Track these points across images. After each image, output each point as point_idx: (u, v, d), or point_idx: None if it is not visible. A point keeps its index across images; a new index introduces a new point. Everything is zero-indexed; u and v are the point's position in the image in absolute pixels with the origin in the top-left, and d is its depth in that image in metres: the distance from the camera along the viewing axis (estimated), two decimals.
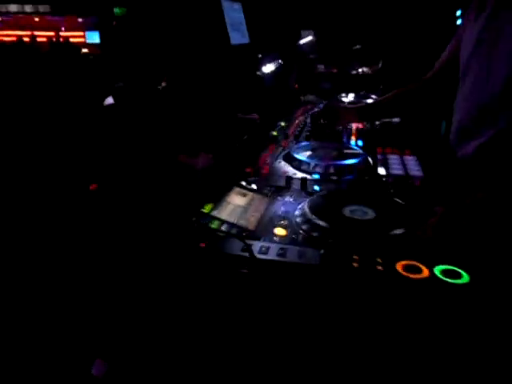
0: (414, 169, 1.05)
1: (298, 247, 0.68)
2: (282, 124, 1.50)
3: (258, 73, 1.11)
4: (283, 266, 0.64)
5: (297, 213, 0.79)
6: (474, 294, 0.59)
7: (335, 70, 3.12)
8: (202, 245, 0.68)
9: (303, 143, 1.21)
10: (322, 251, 0.64)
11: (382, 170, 1.04)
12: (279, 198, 0.88)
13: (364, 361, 0.62)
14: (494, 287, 0.60)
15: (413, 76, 1.44)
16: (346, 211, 0.78)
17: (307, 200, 0.81)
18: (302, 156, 1.07)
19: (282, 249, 0.67)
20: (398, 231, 0.70)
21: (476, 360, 0.59)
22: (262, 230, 0.74)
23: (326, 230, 0.71)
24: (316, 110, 1.57)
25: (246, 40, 1.98)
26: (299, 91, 2.39)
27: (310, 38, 2.52)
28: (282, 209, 0.82)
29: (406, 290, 0.60)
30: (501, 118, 0.96)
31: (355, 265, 0.63)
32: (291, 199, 0.87)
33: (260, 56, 1.38)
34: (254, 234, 0.73)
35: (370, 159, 1.12)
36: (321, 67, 3.07)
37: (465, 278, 0.60)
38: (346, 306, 0.62)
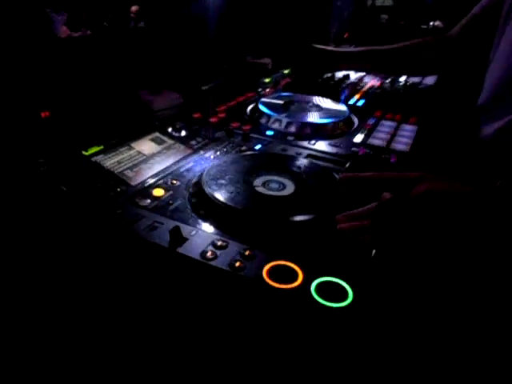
0: (402, 141, 0.81)
1: (159, 216, 0.52)
2: (285, 71, 1.29)
3: None
4: (131, 237, 0.49)
5: (197, 173, 0.62)
6: (352, 321, 0.40)
7: (402, 22, 2.71)
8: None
9: (283, 93, 1.01)
10: (173, 227, 0.47)
11: (357, 137, 0.82)
12: (202, 152, 0.71)
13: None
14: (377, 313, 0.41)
15: None
16: (258, 182, 0.59)
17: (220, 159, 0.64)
18: (266, 107, 0.87)
19: (137, 214, 0.52)
20: (303, 217, 0.51)
21: None
22: (146, 187, 0.59)
23: (209, 201, 0.54)
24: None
25: None
26: (346, 40, 2.09)
27: None
28: (190, 165, 0.65)
29: (262, 299, 0.43)
30: None
31: (210, 255, 0.46)
32: (215, 155, 0.70)
33: None
34: (132, 191, 0.58)
35: (356, 121, 0.90)
36: (384, 17, 2.68)
37: (348, 299, 0.41)
38: (194, 305, 0.47)
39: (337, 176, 0.61)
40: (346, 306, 0.40)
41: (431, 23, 2.66)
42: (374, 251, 0.49)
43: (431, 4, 2.69)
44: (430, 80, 1.32)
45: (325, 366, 0.41)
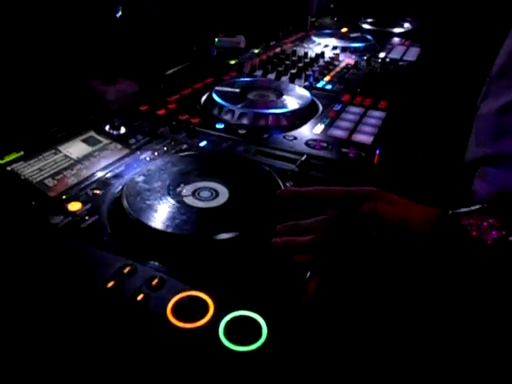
0: (366, 131, 0.74)
1: (67, 237, 0.46)
2: (256, 51, 1.20)
3: None
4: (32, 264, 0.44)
5: (126, 180, 0.56)
6: (265, 365, 0.35)
7: None
8: None
9: (244, 79, 0.93)
10: (76, 251, 0.42)
11: (317, 128, 0.75)
12: (139, 152, 0.65)
13: None
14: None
15: None
16: (189, 190, 0.53)
17: (145, 165, 0.58)
18: (219, 97, 0.80)
19: (43, 235, 0.46)
20: (227, 235, 0.45)
21: None
22: (64, 199, 0.53)
23: (125, 217, 0.48)
24: None
25: None
26: (330, 11, 1.97)
27: None
28: (119, 170, 0.59)
29: (165, 339, 0.37)
30: None
31: (111, 285, 0.40)
32: (152, 156, 0.63)
33: None
34: (50, 204, 0.52)
35: (320, 108, 0.83)
36: None
37: (260, 340, 0.36)
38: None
39: (279, 181, 0.55)
40: (256, 349, 0.35)
41: None
42: (308, 273, 0.43)
43: None
44: (411, 55, 1.24)
45: None
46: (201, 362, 0.35)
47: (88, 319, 0.39)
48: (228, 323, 0.37)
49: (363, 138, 0.72)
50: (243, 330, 0.36)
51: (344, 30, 1.50)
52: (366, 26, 1.54)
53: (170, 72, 1.16)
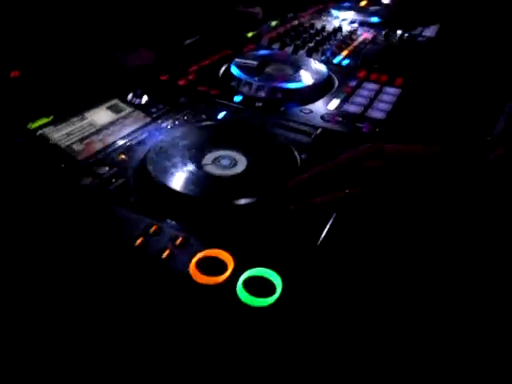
0: (380, 107, 0.76)
1: (97, 198, 0.49)
2: (273, 23, 1.20)
3: None
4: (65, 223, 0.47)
5: (149, 147, 0.59)
6: (277, 320, 0.39)
7: None
8: None
9: (261, 52, 0.94)
10: (105, 211, 0.45)
11: (332, 103, 0.76)
12: (160, 121, 0.67)
13: None
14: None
15: None
16: (209, 158, 0.56)
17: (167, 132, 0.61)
18: (238, 69, 0.82)
19: (75, 196, 0.49)
20: (246, 201, 0.48)
21: None
22: (92, 163, 0.56)
23: (151, 181, 0.51)
24: None
25: None
26: None
27: None
28: (143, 137, 0.62)
29: (184, 293, 0.41)
30: None
31: (138, 242, 0.44)
32: (173, 125, 0.66)
33: None
34: (79, 167, 0.55)
35: (336, 84, 0.84)
36: None
37: (273, 296, 0.39)
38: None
39: (296, 153, 0.57)
40: (271, 304, 0.39)
41: None
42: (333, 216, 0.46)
43: None
44: (430, 31, 1.23)
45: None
46: (219, 315, 0.39)
47: (116, 274, 0.43)
48: (245, 280, 0.40)
49: (377, 114, 0.73)
50: (261, 286, 0.40)
51: (363, 3, 1.48)
52: (385, 1, 1.52)
53: (188, 42, 1.16)
